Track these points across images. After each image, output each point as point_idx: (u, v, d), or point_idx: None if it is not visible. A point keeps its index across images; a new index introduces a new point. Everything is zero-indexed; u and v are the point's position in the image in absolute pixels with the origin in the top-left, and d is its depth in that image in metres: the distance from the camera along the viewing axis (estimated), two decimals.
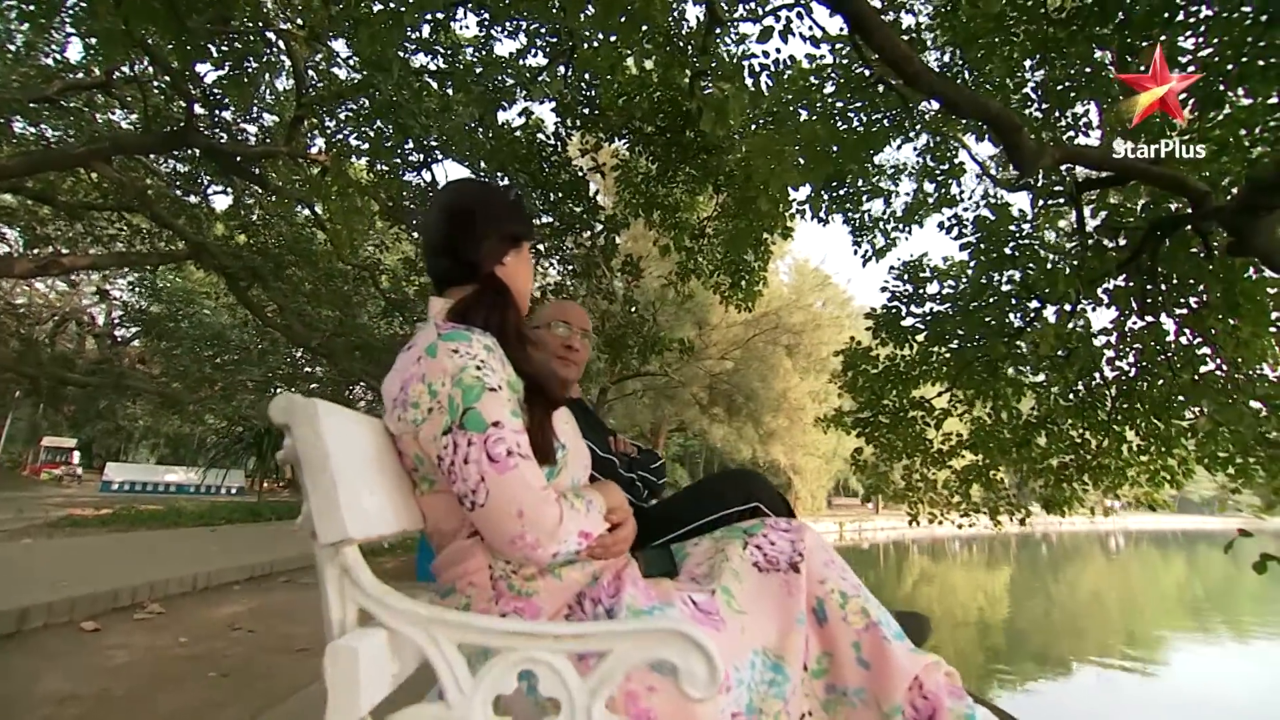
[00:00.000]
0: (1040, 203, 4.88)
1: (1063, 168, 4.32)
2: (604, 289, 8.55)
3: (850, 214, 7.20)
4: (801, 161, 4.27)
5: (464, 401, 0.82)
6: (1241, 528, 3.58)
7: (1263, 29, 3.87)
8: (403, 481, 0.91)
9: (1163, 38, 4.16)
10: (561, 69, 7.21)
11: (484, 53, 8.08)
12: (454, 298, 1.01)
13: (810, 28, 3.60)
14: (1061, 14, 4.26)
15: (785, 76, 3.82)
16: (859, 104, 4.76)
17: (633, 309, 8.54)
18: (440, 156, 8.71)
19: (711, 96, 3.90)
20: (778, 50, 3.71)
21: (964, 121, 6.12)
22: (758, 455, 20.16)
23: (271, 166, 8.73)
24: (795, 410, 18.42)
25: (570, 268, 8.68)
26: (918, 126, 6.04)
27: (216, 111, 8.13)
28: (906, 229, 6.37)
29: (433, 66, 7.82)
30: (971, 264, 5.97)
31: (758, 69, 3.88)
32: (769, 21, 3.79)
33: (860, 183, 6.48)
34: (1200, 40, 4.15)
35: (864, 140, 4.90)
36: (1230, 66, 3.85)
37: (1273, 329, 4.33)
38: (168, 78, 6.94)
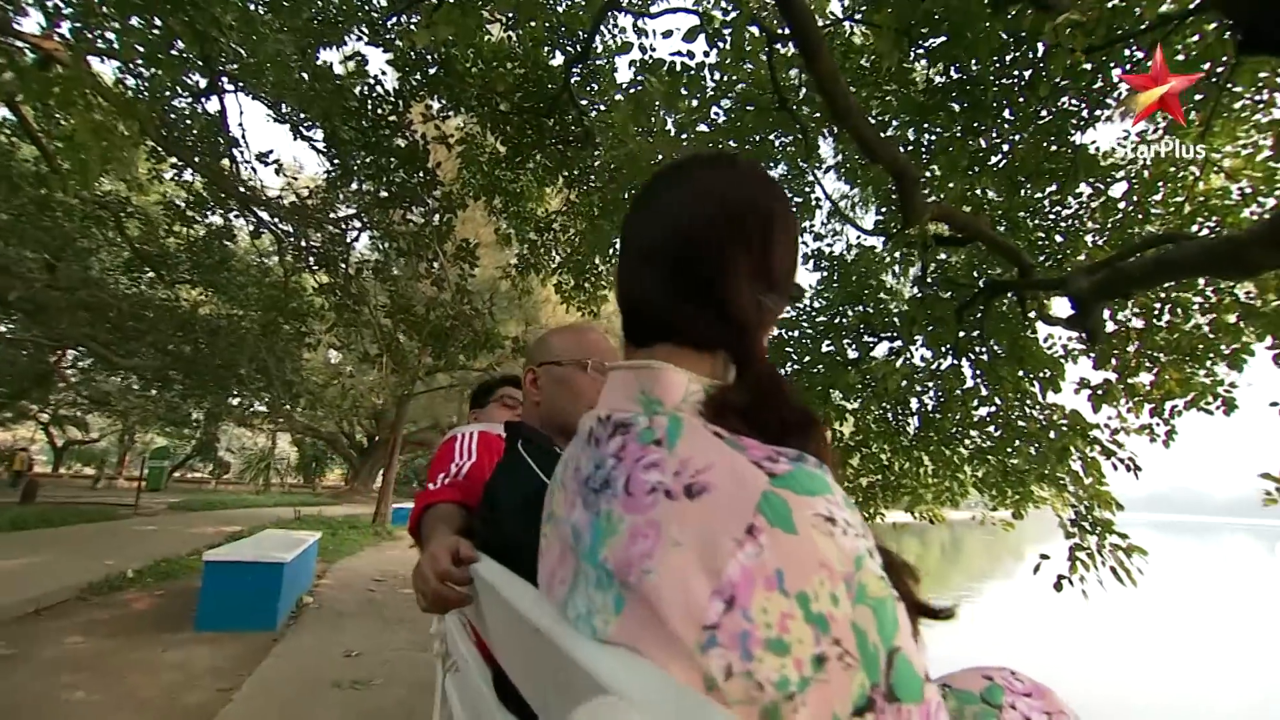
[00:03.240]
0: (899, 251, 5.41)
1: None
2: (434, 274, 7.59)
3: None
4: None
5: (883, 638, 0.39)
6: (1043, 552, 4.31)
7: (1054, 135, 4.72)
8: None
9: (987, 128, 4.85)
10: (408, 19, 6.21)
11: None
12: (680, 366, 0.54)
13: (747, 38, 3.43)
14: (929, 83, 4.70)
15: (701, 80, 3.63)
16: (753, 123, 4.77)
17: (465, 300, 7.71)
18: (232, 86, 7.01)
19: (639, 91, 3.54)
20: (706, 54, 3.50)
21: (822, 160, 6.58)
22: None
23: None
24: None
25: (396, 245, 7.56)
26: (778, 156, 6.34)
27: None
28: None
29: None
30: (815, 295, 6.46)
31: (678, 68, 3.61)
32: (692, 21, 3.54)
33: None
34: (1000, 138, 4.91)
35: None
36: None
37: (1036, 377, 5.33)
38: None
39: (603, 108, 7.06)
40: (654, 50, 3.52)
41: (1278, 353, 4.43)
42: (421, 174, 6.89)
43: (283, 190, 8.27)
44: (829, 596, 0.39)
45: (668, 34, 3.39)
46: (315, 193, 7.81)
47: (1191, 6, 3.79)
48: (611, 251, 8.18)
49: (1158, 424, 4.86)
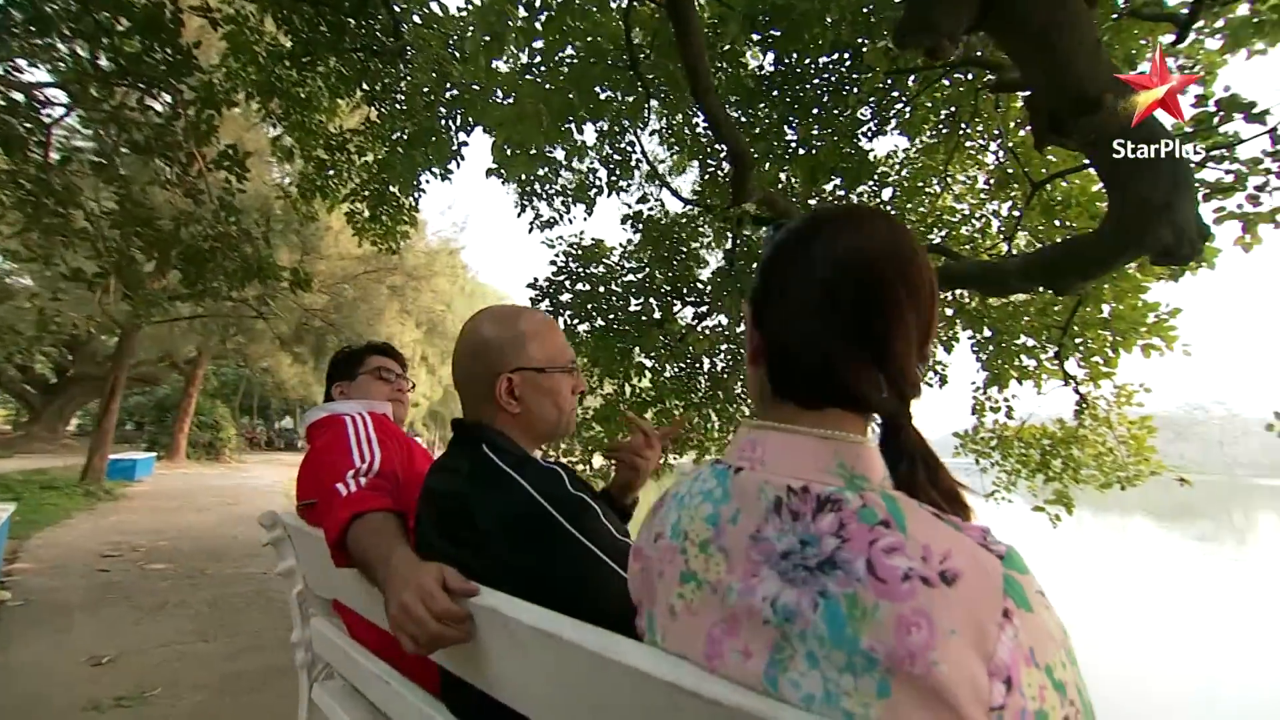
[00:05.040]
0: (717, 224, 5.80)
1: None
2: (188, 182, 6.10)
3: (524, 178, 7.03)
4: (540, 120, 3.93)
5: (1086, 691, 0.48)
6: None
7: (846, 137, 5.48)
8: None
9: (802, 119, 5.42)
10: None
11: None
12: (852, 432, 0.55)
13: None
14: (760, 71, 5.05)
15: (565, 23, 3.40)
16: (600, 77, 4.66)
17: (232, 218, 6.38)
18: None
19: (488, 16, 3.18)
20: None
21: (646, 122, 6.67)
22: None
23: None
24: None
25: (128, 136, 5.86)
26: (605, 113, 6.29)
27: None
28: (585, 208, 6.61)
29: None
30: (626, 254, 6.66)
31: (538, 5, 3.32)
32: None
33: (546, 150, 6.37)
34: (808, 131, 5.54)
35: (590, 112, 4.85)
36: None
37: None
38: None
39: (418, 20, 6.24)
40: None
41: (974, 340, 5.84)
42: (169, 50, 5.41)
43: None
44: (1060, 664, 0.46)
45: None
46: None
47: (952, 57, 4.64)
48: (416, 184, 7.41)
49: None
